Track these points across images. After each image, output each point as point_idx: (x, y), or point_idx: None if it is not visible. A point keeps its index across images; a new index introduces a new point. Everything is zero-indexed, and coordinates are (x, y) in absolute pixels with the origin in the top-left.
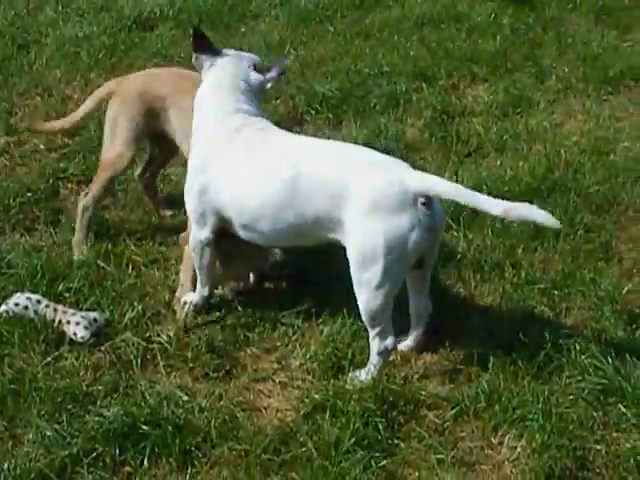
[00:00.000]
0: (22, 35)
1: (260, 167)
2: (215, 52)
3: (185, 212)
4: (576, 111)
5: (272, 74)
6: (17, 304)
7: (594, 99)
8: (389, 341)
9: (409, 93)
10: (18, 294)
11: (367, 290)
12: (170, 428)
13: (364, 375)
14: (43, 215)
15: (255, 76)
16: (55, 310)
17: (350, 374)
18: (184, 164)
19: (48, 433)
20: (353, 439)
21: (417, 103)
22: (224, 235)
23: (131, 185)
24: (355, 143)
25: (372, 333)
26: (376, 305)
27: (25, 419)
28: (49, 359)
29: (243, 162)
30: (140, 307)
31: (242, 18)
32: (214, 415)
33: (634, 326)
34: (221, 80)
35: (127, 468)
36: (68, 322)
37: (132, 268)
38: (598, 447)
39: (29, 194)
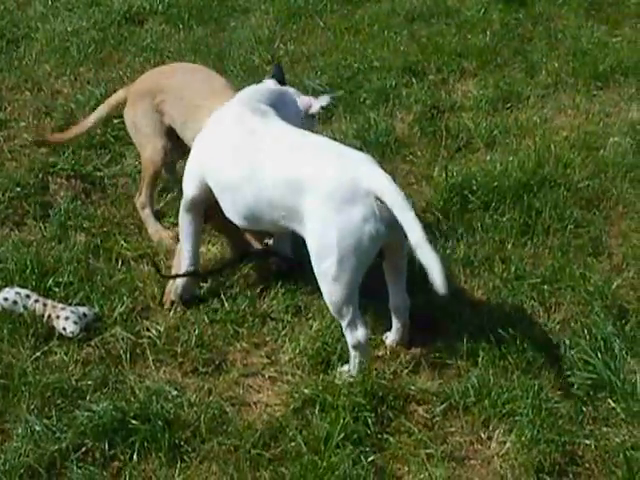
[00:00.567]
0: (11, 30)
1: (233, 146)
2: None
3: None
4: (566, 106)
5: (320, 99)
6: (6, 299)
7: (584, 94)
8: (360, 332)
9: (399, 88)
10: (7, 289)
11: (326, 282)
12: (159, 423)
13: (347, 369)
14: (32, 210)
15: (300, 98)
16: (44, 305)
17: (338, 369)
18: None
19: (37, 428)
20: (342, 434)
21: (407, 98)
22: None
23: (120, 181)
24: (345, 138)
25: (343, 326)
26: (338, 297)
27: (14, 414)
28: (38, 354)
29: (229, 140)
30: (129, 302)
31: (232, 12)
32: (203, 410)
33: (623, 321)
34: (261, 92)
35: (116, 463)
36: (57, 317)
37: (121, 263)
38: (587, 442)
39: (18, 189)
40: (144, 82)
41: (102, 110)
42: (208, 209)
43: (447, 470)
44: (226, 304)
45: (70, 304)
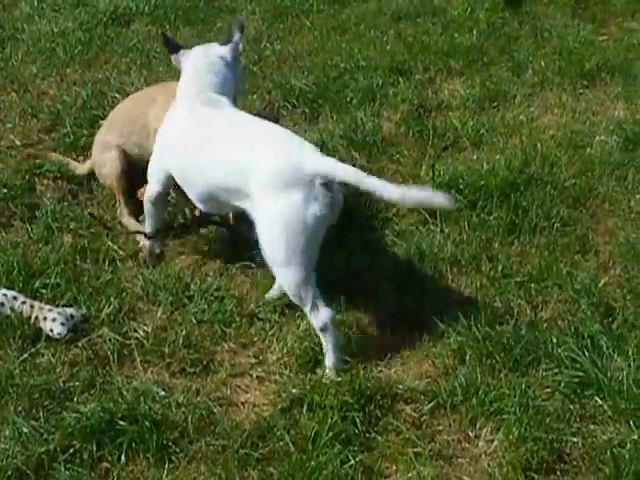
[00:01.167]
0: None
1: (189, 138)
2: (184, 47)
3: None
4: (552, 105)
5: (236, 37)
6: None
7: (570, 93)
8: (323, 313)
9: (385, 87)
10: None
11: (277, 267)
12: (147, 424)
13: (328, 361)
14: (19, 211)
15: (224, 48)
16: (32, 306)
17: (326, 370)
18: None
19: (25, 429)
20: (330, 433)
21: (394, 97)
22: None
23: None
24: (332, 137)
25: (306, 311)
26: (292, 281)
27: (1, 416)
28: (25, 355)
29: (186, 129)
30: (117, 303)
31: (218, 13)
32: (191, 410)
33: (610, 319)
34: (196, 64)
35: (104, 464)
36: (45, 318)
37: (108, 264)
38: (575, 439)
39: (5, 190)
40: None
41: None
42: None
43: (435, 469)
44: (213, 304)
45: (57, 305)
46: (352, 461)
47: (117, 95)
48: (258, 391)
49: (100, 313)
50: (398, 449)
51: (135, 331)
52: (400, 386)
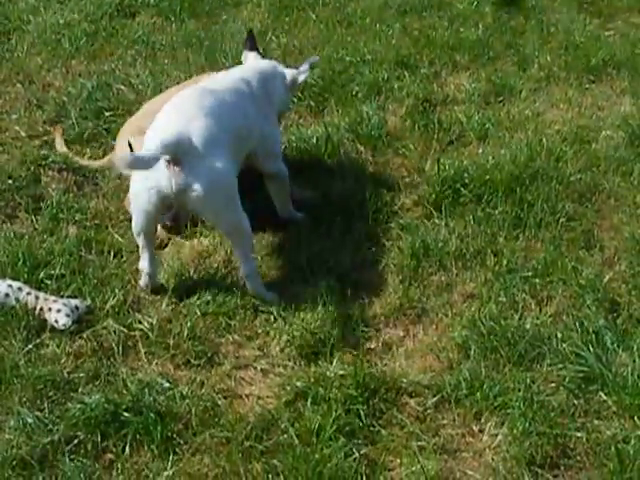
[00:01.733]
0: (3, 22)
1: None
2: (259, 51)
3: None
4: (558, 100)
5: (304, 67)
6: None
7: (576, 88)
8: (141, 267)
9: (391, 81)
10: None
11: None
12: (152, 415)
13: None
14: (24, 202)
15: (286, 70)
16: (37, 297)
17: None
18: None
19: (29, 420)
20: (335, 426)
21: (399, 91)
22: None
23: (112, 173)
24: (337, 131)
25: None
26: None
27: (6, 406)
28: (30, 346)
29: None
30: (121, 294)
31: (224, 5)
32: (195, 402)
33: (615, 314)
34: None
35: (109, 455)
36: (49, 309)
37: (113, 255)
38: (579, 434)
39: (10, 181)
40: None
41: None
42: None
43: (439, 462)
44: (218, 296)
45: (62, 297)
46: (356, 454)
47: (122, 87)
48: (262, 383)
49: (105, 304)
50: (402, 443)
51: (140, 323)
52: (404, 380)
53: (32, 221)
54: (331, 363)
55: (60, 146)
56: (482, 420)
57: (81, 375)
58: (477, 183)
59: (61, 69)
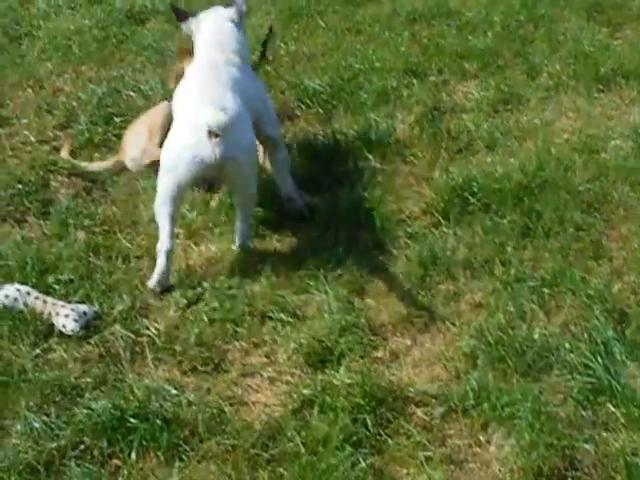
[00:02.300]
0: (14, 27)
1: None
2: (193, 14)
3: None
4: (567, 109)
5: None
6: (7, 295)
7: (585, 97)
8: (160, 245)
9: (400, 89)
10: (7, 285)
11: None
12: (158, 422)
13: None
14: (33, 207)
15: (230, 10)
16: (45, 302)
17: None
18: None
19: (36, 425)
20: (341, 435)
21: (408, 99)
22: None
23: (121, 179)
24: (345, 138)
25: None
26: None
27: (13, 411)
28: (38, 351)
29: None
30: (129, 300)
31: None
32: (202, 409)
33: (624, 325)
34: (211, 30)
35: (115, 461)
36: (57, 314)
37: (122, 261)
38: (587, 446)
39: (20, 186)
40: None
41: None
42: None
43: (445, 473)
44: (225, 303)
45: (70, 302)
46: (363, 464)
47: (132, 93)
48: (269, 391)
49: (112, 310)
50: (409, 452)
51: (147, 329)
52: (411, 389)
53: (41, 226)
54: (338, 371)
55: (64, 153)
56: (489, 431)
57: (88, 380)
58: (485, 192)
59: (71, 75)
